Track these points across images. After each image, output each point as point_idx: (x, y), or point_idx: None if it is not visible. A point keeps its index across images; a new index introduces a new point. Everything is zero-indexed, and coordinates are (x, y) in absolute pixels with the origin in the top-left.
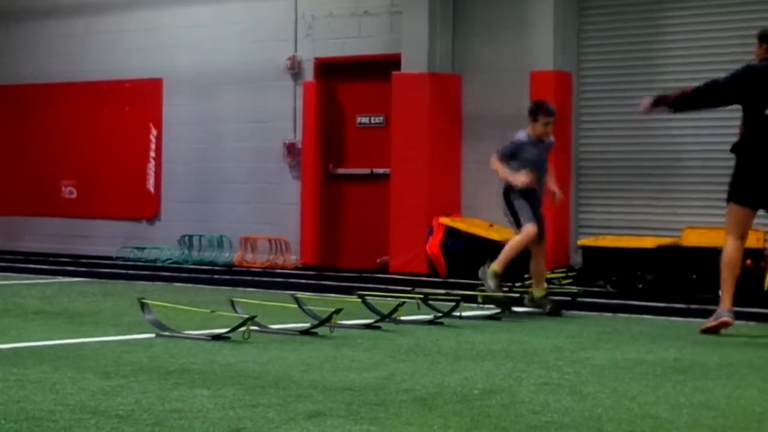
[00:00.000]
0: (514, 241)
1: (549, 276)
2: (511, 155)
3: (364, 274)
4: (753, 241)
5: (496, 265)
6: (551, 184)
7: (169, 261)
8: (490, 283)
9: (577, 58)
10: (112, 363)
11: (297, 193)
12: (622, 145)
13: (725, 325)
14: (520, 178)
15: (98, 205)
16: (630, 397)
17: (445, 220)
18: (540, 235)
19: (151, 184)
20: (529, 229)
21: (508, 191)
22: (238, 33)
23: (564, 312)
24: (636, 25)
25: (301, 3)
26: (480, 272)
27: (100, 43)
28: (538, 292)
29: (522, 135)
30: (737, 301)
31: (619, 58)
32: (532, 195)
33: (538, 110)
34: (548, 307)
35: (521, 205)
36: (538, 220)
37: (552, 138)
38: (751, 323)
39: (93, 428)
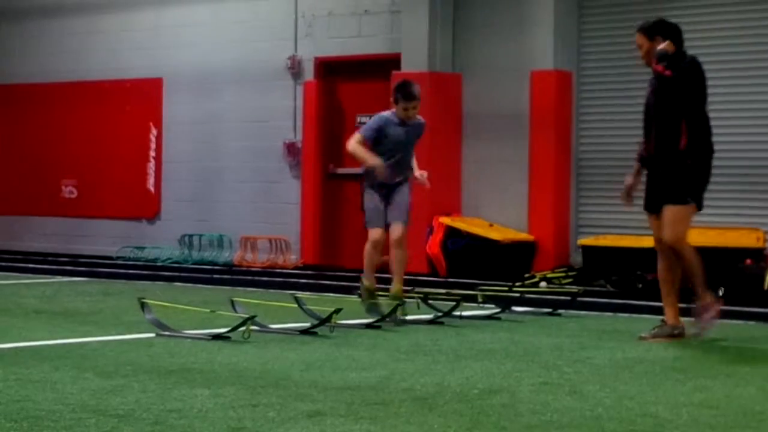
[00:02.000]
0: (364, 251)
1: (549, 275)
2: (375, 135)
3: None
4: (753, 240)
5: (363, 279)
6: (416, 170)
7: (169, 260)
8: (364, 297)
9: (577, 57)
10: (113, 362)
11: (297, 192)
12: (622, 144)
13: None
14: (375, 164)
15: (98, 205)
16: (630, 396)
17: (445, 220)
18: (393, 231)
19: (151, 184)
20: (374, 235)
21: (362, 177)
22: (239, 32)
23: (563, 311)
24: (636, 23)
25: (301, 2)
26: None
27: (100, 42)
28: (396, 290)
29: (387, 113)
30: (738, 300)
31: (619, 57)
32: (391, 185)
33: (397, 94)
34: (394, 315)
35: (369, 206)
36: (397, 208)
37: (421, 119)
38: (751, 323)
39: (93, 427)
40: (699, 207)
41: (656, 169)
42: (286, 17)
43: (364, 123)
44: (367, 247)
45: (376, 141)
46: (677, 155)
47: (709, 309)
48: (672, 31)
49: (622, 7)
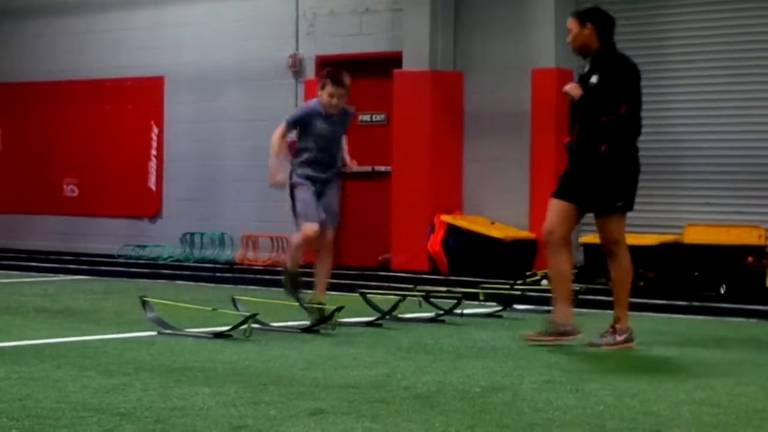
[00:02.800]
0: (293, 241)
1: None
2: (302, 126)
3: (366, 272)
4: (755, 238)
5: (288, 264)
6: (345, 156)
7: (171, 259)
8: (287, 285)
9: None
10: (114, 361)
11: None
12: None
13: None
14: (275, 180)
15: (100, 203)
16: (631, 394)
17: (447, 218)
18: (324, 234)
19: (152, 182)
20: (309, 231)
21: (292, 171)
22: (240, 31)
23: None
24: (636, 22)
25: (302, 1)
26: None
27: (102, 41)
28: (316, 297)
29: (314, 102)
30: (739, 297)
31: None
32: (321, 181)
33: (325, 79)
34: (313, 317)
35: (303, 198)
36: (328, 211)
37: (350, 108)
38: (753, 320)
39: (95, 426)
40: (628, 208)
41: (577, 164)
42: (287, 16)
43: (366, 121)
44: (298, 241)
45: (303, 131)
46: (598, 156)
47: (623, 333)
48: (603, 22)
49: (622, 5)
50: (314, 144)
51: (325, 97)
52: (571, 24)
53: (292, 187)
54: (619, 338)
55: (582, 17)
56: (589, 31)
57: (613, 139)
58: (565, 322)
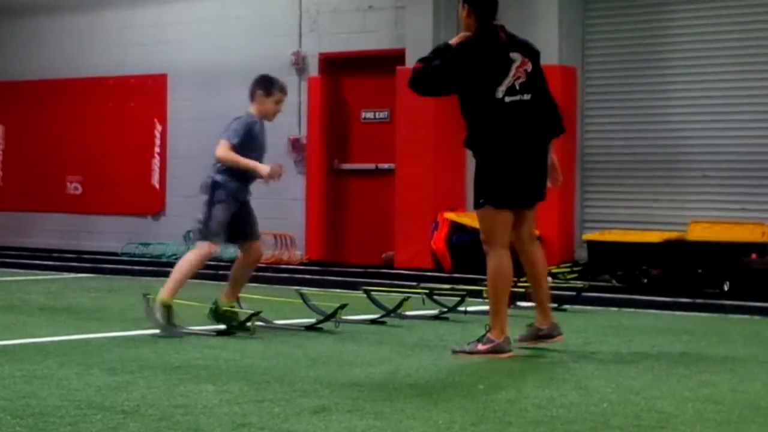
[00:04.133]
0: (186, 261)
1: (554, 270)
2: (245, 139)
3: (370, 270)
4: (758, 235)
5: (163, 295)
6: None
7: (174, 257)
8: (158, 315)
9: (582, 53)
10: (118, 359)
11: (302, 188)
12: (627, 140)
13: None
14: (270, 171)
15: (103, 201)
16: (635, 391)
17: (450, 215)
18: (252, 236)
19: (155, 180)
20: (211, 250)
21: (215, 187)
22: (243, 28)
23: (568, 306)
24: (641, 19)
25: None
26: (145, 310)
27: (104, 38)
28: (227, 301)
29: (250, 116)
30: (743, 294)
31: (623, 53)
32: (245, 199)
33: (272, 87)
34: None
35: (221, 219)
36: (258, 227)
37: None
38: (756, 317)
39: (99, 424)
40: (495, 205)
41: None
42: (290, 13)
43: (370, 118)
44: (196, 259)
45: (247, 146)
46: (469, 148)
47: (488, 343)
48: (479, 3)
49: (626, 2)
50: (257, 157)
51: (271, 106)
52: (459, 6)
53: (215, 196)
54: (482, 347)
55: (462, 0)
56: (466, 12)
57: (475, 130)
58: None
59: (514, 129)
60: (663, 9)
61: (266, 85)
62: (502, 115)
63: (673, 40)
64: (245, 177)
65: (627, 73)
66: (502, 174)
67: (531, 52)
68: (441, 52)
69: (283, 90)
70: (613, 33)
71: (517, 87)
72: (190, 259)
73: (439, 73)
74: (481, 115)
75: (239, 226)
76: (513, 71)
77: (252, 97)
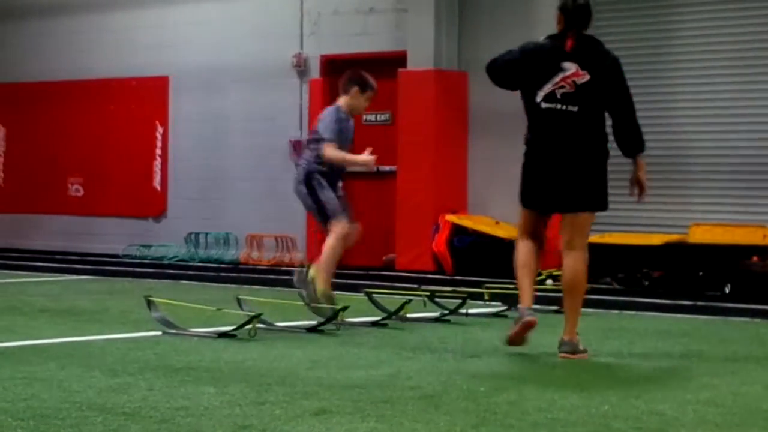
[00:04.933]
0: (330, 244)
1: (556, 273)
2: (337, 131)
3: (371, 272)
4: (759, 237)
5: (321, 286)
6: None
7: (176, 259)
8: (312, 289)
9: None
10: (119, 361)
11: None
12: None
13: (529, 325)
14: (368, 160)
15: (105, 203)
16: (636, 394)
17: (452, 218)
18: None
19: (157, 182)
20: (344, 228)
21: (310, 179)
22: (245, 30)
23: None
24: (643, 21)
25: (306, 0)
26: (296, 278)
27: (106, 40)
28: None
29: (339, 110)
30: (744, 297)
31: (625, 55)
32: (334, 182)
33: (365, 84)
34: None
35: (331, 197)
36: (346, 207)
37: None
38: (757, 319)
39: (100, 426)
40: (523, 205)
41: None
42: (291, 15)
43: (371, 120)
44: (336, 242)
45: (335, 139)
46: None
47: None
48: (562, 10)
49: (628, 5)
50: (343, 147)
51: (361, 102)
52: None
53: (313, 186)
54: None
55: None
56: (556, 18)
57: (527, 133)
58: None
59: (544, 135)
60: (665, 11)
61: (362, 82)
62: (536, 118)
63: (675, 42)
64: (335, 168)
65: (629, 75)
66: (524, 174)
67: (596, 66)
68: (522, 46)
69: (374, 89)
70: (614, 35)
71: (558, 96)
72: (331, 245)
73: (500, 65)
74: (526, 115)
75: None
76: (557, 79)
77: (345, 90)
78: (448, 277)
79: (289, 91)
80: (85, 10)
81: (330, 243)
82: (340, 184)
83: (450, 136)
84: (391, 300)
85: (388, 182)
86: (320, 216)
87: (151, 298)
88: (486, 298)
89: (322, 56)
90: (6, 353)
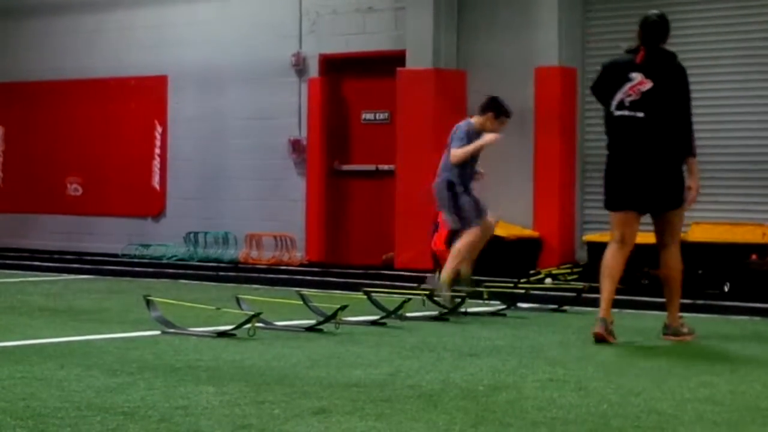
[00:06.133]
0: (458, 247)
1: (555, 272)
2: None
3: (370, 271)
4: (758, 236)
5: (445, 276)
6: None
7: (175, 258)
8: (444, 293)
9: (582, 54)
10: (118, 360)
11: (302, 189)
12: None
13: (598, 337)
14: (491, 138)
15: (103, 203)
16: (635, 392)
17: None
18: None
19: (156, 181)
20: (479, 229)
21: (452, 185)
22: (243, 30)
23: (568, 307)
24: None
25: None
26: (430, 282)
27: (105, 40)
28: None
29: (471, 126)
30: (743, 295)
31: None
32: (469, 186)
33: (501, 110)
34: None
35: (469, 203)
36: (480, 208)
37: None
38: (756, 318)
39: (99, 425)
40: (606, 207)
41: None
42: (290, 14)
43: (370, 119)
44: (474, 239)
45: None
46: None
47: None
48: (640, 26)
49: (626, 3)
50: (473, 159)
51: (495, 126)
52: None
53: (455, 191)
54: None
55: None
56: (636, 32)
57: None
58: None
59: (618, 141)
60: (663, 9)
61: (499, 111)
62: (611, 125)
63: (674, 41)
64: (466, 173)
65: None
66: (606, 179)
67: (660, 75)
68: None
69: (509, 116)
70: (612, 33)
71: (627, 103)
72: (470, 240)
73: (594, 84)
74: (604, 123)
75: None
76: (626, 88)
77: (483, 111)
78: None
79: (288, 90)
80: (84, 9)
81: (458, 246)
82: (472, 184)
83: (449, 135)
84: (390, 299)
85: (387, 181)
86: (457, 220)
87: (150, 298)
88: (485, 297)
89: (321, 55)
90: (5, 353)
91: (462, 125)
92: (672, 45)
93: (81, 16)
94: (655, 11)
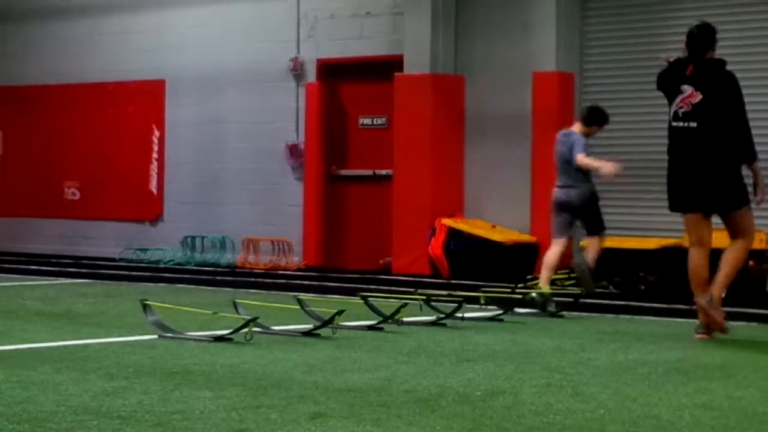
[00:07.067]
0: (595, 248)
1: (552, 277)
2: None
3: (367, 276)
4: (756, 242)
5: (542, 283)
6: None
7: (172, 262)
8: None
9: (580, 59)
10: (115, 364)
11: (299, 194)
12: (624, 146)
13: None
14: (611, 170)
15: (101, 207)
16: (632, 398)
17: (448, 222)
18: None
19: (153, 186)
20: (602, 240)
21: (596, 195)
22: (241, 34)
23: (566, 313)
24: (638, 25)
25: (303, 4)
26: (578, 260)
27: (103, 44)
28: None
29: (580, 135)
30: (740, 301)
31: (621, 59)
32: None
33: (603, 118)
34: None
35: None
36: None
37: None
38: (753, 324)
39: (95, 429)
40: (670, 209)
41: None
42: (288, 19)
43: (367, 124)
44: (600, 248)
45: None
46: None
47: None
48: (687, 38)
49: (624, 8)
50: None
51: (593, 132)
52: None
53: (597, 201)
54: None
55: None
56: (684, 44)
57: None
58: None
59: (675, 149)
60: (660, 15)
61: (602, 121)
62: (670, 135)
63: (671, 46)
64: (590, 179)
65: (624, 79)
66: (667, 184)
67: (709, 87)
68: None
69: (608, 122)
70: (610, 39)
71: (680, 114)
72: (596, 249)
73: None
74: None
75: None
76: (678, 101)
77: (587, 122)
78: (444, 281)
79: (286, 95)
80: (82, 13)
81: (595, 248)
82: None
83: (446, 140)
84: (387, 304)
85: (385, 186)
86: (591, 226)
87: (147, 302)
88: (482, 302)
89: (319, 60)
90: (1, 357)
91: (575, 134)
92: (666, 49)
93: (79, 21)
94: (697, 22)
